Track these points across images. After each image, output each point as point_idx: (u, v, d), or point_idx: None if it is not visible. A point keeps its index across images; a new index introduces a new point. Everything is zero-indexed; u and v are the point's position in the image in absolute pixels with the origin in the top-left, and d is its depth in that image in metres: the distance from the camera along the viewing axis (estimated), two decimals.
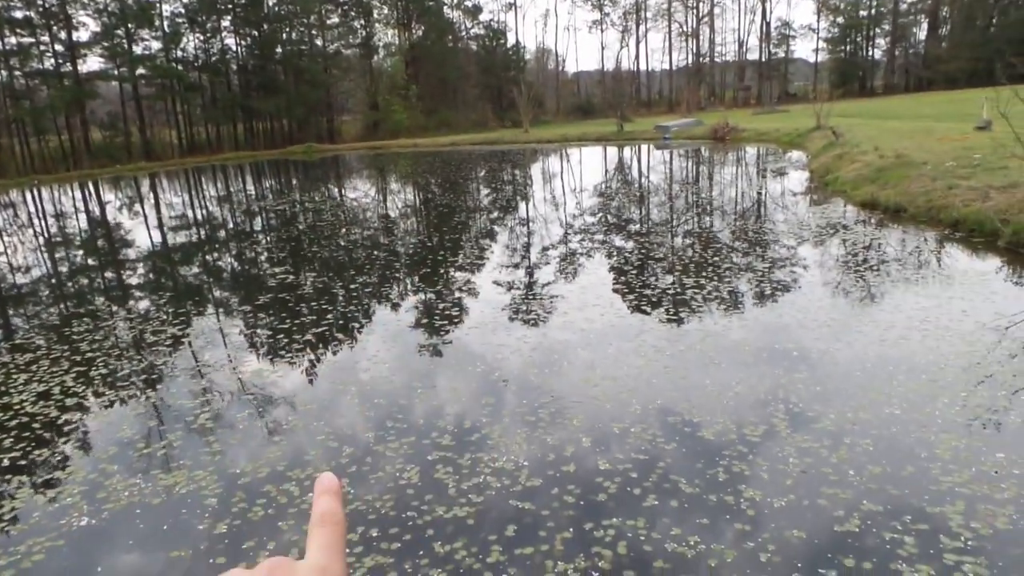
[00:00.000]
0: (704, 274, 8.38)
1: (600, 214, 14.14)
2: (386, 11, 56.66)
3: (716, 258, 9.24)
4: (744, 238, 10.50)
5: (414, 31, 56.99)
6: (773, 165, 20.49)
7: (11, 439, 5.07)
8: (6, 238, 17.25)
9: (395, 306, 8.27)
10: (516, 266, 10.02)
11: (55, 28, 40.50)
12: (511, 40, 63.19)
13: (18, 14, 38.80)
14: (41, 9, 39.71)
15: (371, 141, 47.27)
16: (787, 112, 38.71)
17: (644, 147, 30.78)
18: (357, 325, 7.57)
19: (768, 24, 62.84)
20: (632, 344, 6.13)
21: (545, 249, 10.99)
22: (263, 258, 12.17)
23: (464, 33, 61.03)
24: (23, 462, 4.74)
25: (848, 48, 62.80)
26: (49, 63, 40.80)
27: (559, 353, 6.08)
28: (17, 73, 39.60)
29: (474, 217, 15.13)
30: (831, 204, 12.80)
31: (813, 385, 4.97)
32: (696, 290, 7.69)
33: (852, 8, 60.74)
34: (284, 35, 50.00)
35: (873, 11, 60.64)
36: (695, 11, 64.32)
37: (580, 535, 3.46)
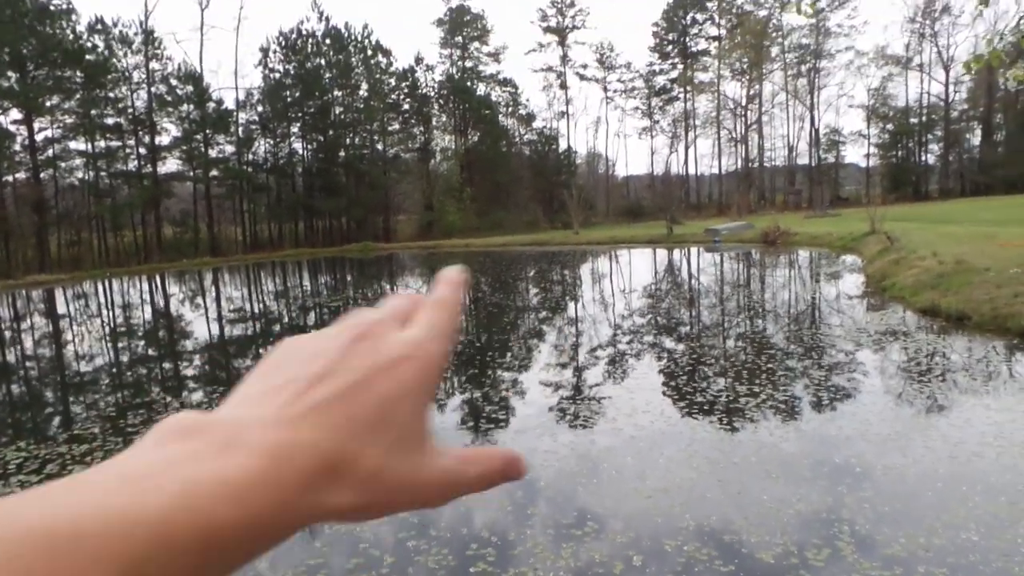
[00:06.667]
0: (758, 380, 8.13)
1: (650, 316, 14.04)
2: (444, 119, 59.74)
3: (770, 364, 8.99)
4: (799, 343, 10.23)
5: (470, 137, 59.71)
6: (827, 269, 20.21)
7: None
8: (76, 327, 18.06)
9: (441, 407, 8.23)
10: (564, 366, 9.93)
11: (141, 133, 43.86)
12: (563, 145, 65.48)
13: (110, 120, 42.25)
14: (131, 116, 43.19)
15: (425, 240, 48.71)
16: (839, 216, 38.53)
17: (694, 250, 30.86)
18: None
19: (817, 131, 63.74)
20: (684, 454, 5.91)
21: (593, 350, 10.89)
22: None
23: (518, 139, 63.59)
24: None
25: (900, 153, 62.90)
26: (132, 165, 43.95)
27: (608, 462, 5.90)
28: (103, 173, 42.67)
29: (523, 316, 15.21)
30: (889, 310, 12.45)
31: (880, 505, 4.67)
32: (750, 397, 7.45)
33: (901, 115, 61.27)
34: (347, 140, 52.96)
35: (924, 118, 61.02)
36: (743, 119, 65.86)
37: None
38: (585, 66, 68.96)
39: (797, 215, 42.69)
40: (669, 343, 11.17)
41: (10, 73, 36.80)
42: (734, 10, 63.63)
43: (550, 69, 65.74)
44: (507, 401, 8.19)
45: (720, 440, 6.25)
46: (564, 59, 65.33)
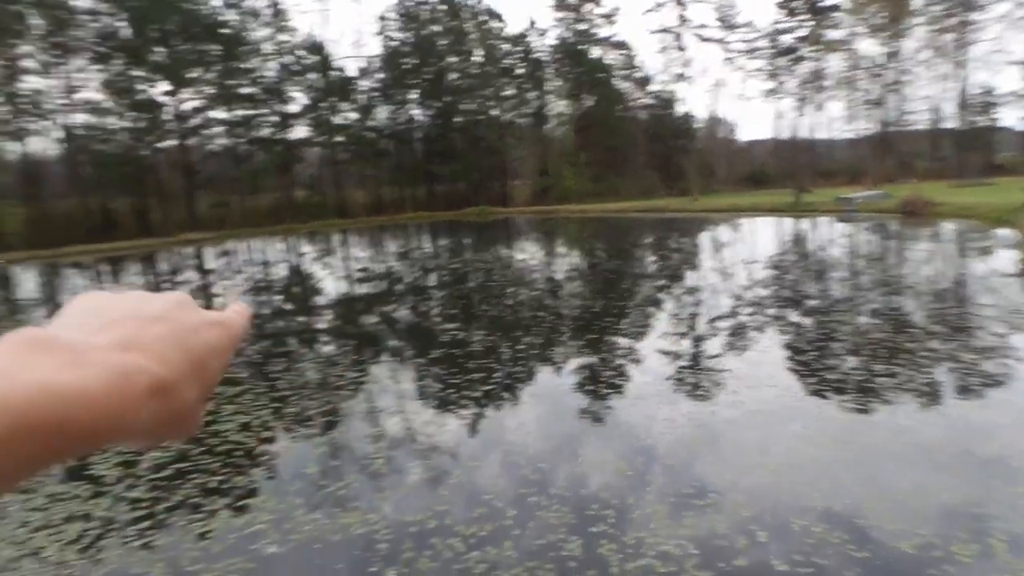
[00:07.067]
0: (896, 361, 7.64)
1: (774, 287, 13.47)
2: (559, 83, 59.07)
3: (910, 344, 8.41)
4: (943, 322, 9.49)
5: (584, 101, 58.80)
6: (977, 244, 18.52)
7: (219, 463, 5.65)
8: (223, 281, 19.61)
9: (559, 370, 8.33)
10: (682, 336, 9.75)
11: (272, 102, 46.36)
12: (681, 109, 63.18)
13: (245, 90, 44.93)
14: (263, 86, 45.72)
15: (540, 205, 48.83)
16: (993, 185, 35.04)
17: (823, 220, 29.13)
18: (522, 385, 7.68)
19: (966, 91, 57.84)
20: (812, 431, 5.68)
21: (713, 320, 10.61)
22: (435, 313, 12.82)
23: (633, 103, 61.97)
24: (227, 486, 5.24)
25: None
26: (266, 131, 46.61)
27: (728, 433, 5.78)
28: (240, 140, 45.58)
29: (640, 284, 15.01)
30: None
31: None
32: (887, 378, 7.02)
33: None
34: (463, 106, 53.59)
35: None
36: (880, 79, 60.78)
37: None
38: (704, 26, 65.76)
39: (941, 184, 39.23)
40: (795, 316, 10.69)
41: (159, 48, 39.81)
42: None
43: (667, 30, 63.20)
44: (624, 368, 8.17)
45: (852, 420, 5.96)
46: (682, 19, 62.58)
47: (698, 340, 9.45)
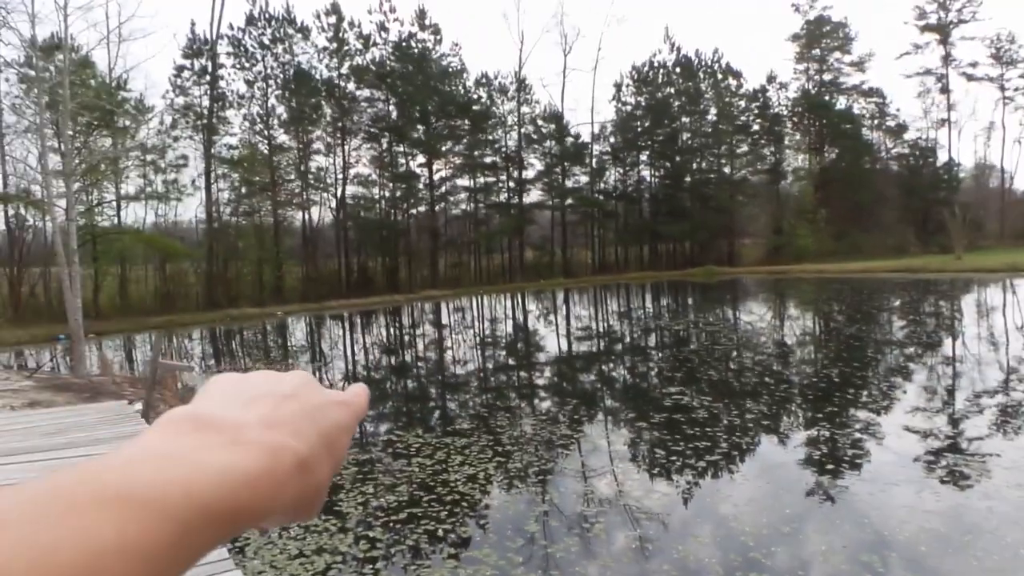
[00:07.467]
0: None
1: None
2: (798, 137, 56.15)
3: None
4: None
5: (826, 154, 55.13)
6: None
7: (446, 512, 6.06)
8: (454, 336, 21.25)
9: (783, 440, 7.79)
10: (937, 412, 8.62)
11: (511, 169, 49.83)
12: (942, 158, 56.43)
13: (487, 160, 48.91)
14: (504, 154, 49.42)
15: (771, 265, 46.25)
16: None
17: None
18: (747, 458, 7.29)
19: None
20: None
21: (977, 396, 9.23)
22: (655, 374, 12.67)
23: (884, 153, 56.75)
24: (452, 536, 5.58)
25: None
26: (503, 196, 50.10)
27: (1003, 533, 4.96)
28: (480, 205, 49.48)
29: (886, 351, 13.53)
30: None
31: None
32: None
33: None
34: (694, 165, 53.08)
35: None
36: None
37: None
38: (975, 64, 58.41)
39: None
40: None
41: (419, 126, 45.08)
42: None
43: (928, 72, 57.26)
44: (863, 443, 7.41)
45: None
46: (946, 59, 56.34)
47: (956, 419, 8.28)
